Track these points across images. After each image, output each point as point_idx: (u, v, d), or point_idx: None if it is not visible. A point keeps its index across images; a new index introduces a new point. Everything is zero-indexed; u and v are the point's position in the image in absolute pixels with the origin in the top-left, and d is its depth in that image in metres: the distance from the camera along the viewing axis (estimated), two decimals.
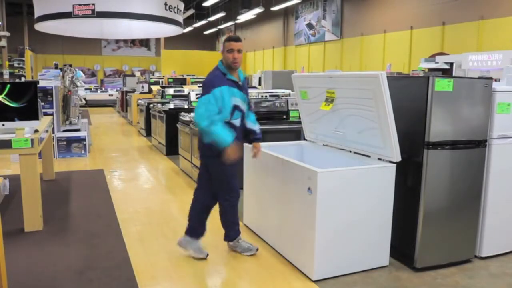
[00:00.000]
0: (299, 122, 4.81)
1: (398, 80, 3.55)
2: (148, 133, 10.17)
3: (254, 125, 3.56)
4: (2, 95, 4.21)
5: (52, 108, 7.30)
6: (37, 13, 10.08)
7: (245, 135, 3.53)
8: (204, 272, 3.36)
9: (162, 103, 9.12)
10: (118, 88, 18.33)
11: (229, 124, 3.27)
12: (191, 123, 6.03)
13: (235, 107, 3.28)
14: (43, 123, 4.75)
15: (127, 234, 4.04)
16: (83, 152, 7.73)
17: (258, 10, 15.87)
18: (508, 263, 3.50)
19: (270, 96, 6.48)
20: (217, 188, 3.47)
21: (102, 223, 4.34)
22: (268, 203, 3.81)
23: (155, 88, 12.86)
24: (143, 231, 4.14)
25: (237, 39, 3.29)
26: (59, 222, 4.33)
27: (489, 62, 6.40)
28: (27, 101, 4.27)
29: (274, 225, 3.72)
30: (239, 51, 3.26)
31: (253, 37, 21.79)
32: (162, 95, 10.83)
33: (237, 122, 3.34)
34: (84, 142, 7.74)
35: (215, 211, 3.59)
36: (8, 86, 4.25)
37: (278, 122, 5.79)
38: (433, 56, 8.39)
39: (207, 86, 3.22)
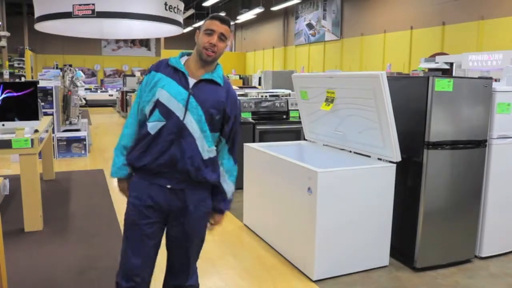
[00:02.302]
0: (299, 122, 4.81)
1: (398, 80, 3.55)
2: None
3: (226, 181, 2.18)
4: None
5: (52, 108, 7.29)
6: (37, 13, 10.07)
7: (212, 192, 2.17)
8: (204, 272, 3.36)
9: None
10: (118, 88, 18.33)
11: (142, 127, 2.09)
12: None
13: (156, 104, 2.02)
14: (43, 123, 4.75)
15: None
16: (83, 152, 7.72)
17: (258, 10, 15.87)
18: (508, 263, 3.50)
19: (270, 96, 6.49)
20: None
21: (102, 223, 4.34)
22: (268, 203, 3.81)
23: None
24: None
25: (224, 20, 2.06)
26: (59, 222, 4.33)
27: (489, 62, 6.40)
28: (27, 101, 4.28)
29: (274, 225, 3.72)
30: (221, 38, 2.03)
31: (253, 37, 21.78)
32: None
33: (151, 127, 2.03)
34: (84, 142, 7.74)
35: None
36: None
37: (278, 122, 5.79)
38: (433, 56, 8.38)
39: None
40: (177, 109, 2.00)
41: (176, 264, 2.21)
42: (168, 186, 2.04)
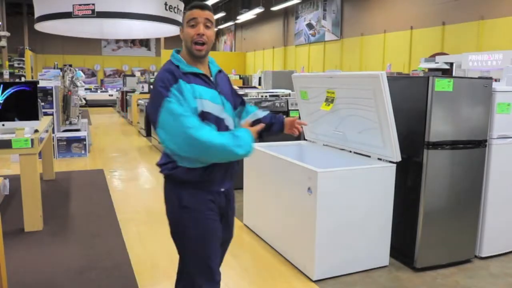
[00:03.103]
0: None
1: (398, 80, 3.55)
2: (148, 133, 10.16)
3: (260, 113, 2.27)
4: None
5: (52, 108, 7.30)
6: (37, 13, 10.07)
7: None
8: None
9: None
10: (118, 88, 18.33)
11: None
12: None
13: (204, 116, 1.91)
14: (43, 123, 4.75)
15: (127, 234, 4.04)
16: (83, 152, 7.73)
17: (258, 10, 15.87)
18: (508, 263, 3.50)
19: (270, 96, 6.49)
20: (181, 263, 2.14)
21: (102, 223, 4.34)
22: (268, 203, 3.81)
23: None
24: (143, 231, 4.14)
25: (204, 6, 1.94)
26: (59, 222, 4.33)
27: (489, 62, 6.39)
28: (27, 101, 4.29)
29: (274, 225, 3.72)
30: (206, 24, 1.93)
31: (253, 37, 21.77)
32: None
33: None
34: (84, 142, 7.74)
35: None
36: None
37: None
38: (433, 56, 8.38)
39: (155, 93, 1.89)
40: (220, 112, 1.98)
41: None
42: (222, 190, 2.06)
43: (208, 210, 2.00)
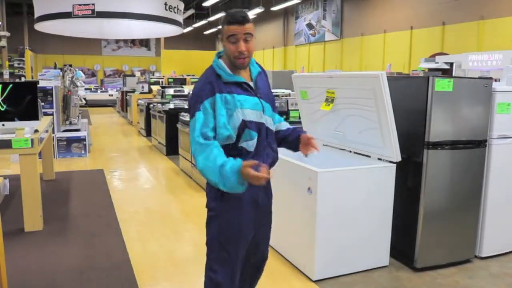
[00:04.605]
0: (299, 122, 4.80)
1: (398, 80, 3.55)
2: (148, 133, 10.16)
3: (284, 125, 2.35)
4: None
5: (52, 108, 7.29)
6: (37, 13, 10.09)
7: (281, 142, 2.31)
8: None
9: (162, 103, 9.12)
10: (118, 88, 18.34)
11: (234, 149, 2.02)
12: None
13: (245, 124, 1.99)
14: (43, 123, 4.75)
15: (127, 234, 4.04)
16: (83, 152, 7.73)
17: (258, 10, 15.86)
18: (508, 263, 3.50)
19: None
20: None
21: (102, 223, 4.34)
22: None
23: (155, 88, 12.86)
24: (143, 231, 4.14)
25: (242, 21, 1.93)
26: (59, 222, 4.33)
27: (489, 62, 6.40)
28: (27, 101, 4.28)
29: (274, 225, 3.70)
30: (246, 39, 1.94)
31: None
32: (162, 95, 10.84)
33: (249, 145, 2.03)
34: (84, 142, 7.74)
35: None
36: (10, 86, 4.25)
37: None
38: (433, 56, 8.38)
39: (192, 101, 2.00)
40: (260, 118, 2.05)
41: None
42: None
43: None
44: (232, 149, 2.00)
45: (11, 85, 4.26)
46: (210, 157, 1.89)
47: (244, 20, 1.94)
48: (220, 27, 2.05)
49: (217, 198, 2.05)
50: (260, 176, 1.80)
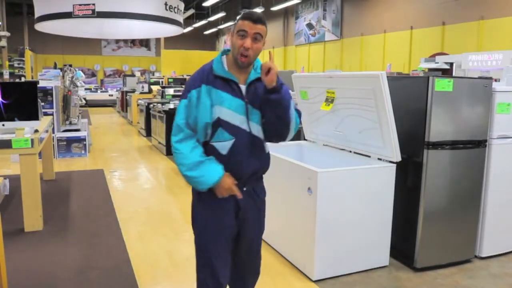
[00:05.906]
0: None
1: (398, 80, 3.55)
2: (148, 133, 10.17)
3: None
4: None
5: (52, 108, 7.30)
6: (37, 13, 10.08)
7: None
8: None
9: (162, 103, 9.12)
10: (118, 88, 18.35)
11: (206, 145, 2.02)
12: None
13: (219, 123, 1.97)
14: (43, 123, 4.75)
15: (127, 234, 4.04)
16: (83, 152, 7.73)
17: (258, 10, 15.85)
18: (508, 263, 3.50)
19: None
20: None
21: (102, 223, 4.34)
22: (268, 203, 3.80)
23: (155, 88, 12.87)
24: (143, 231, 4.14)
25: (256, 20, 1.95)
26: (59, 222, 4.33)
27: (489, 62, 6.40)
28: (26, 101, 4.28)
29: (274, 225, 3.71)
30: (255, 38, 1.95)
31: None
32: (162, 95, 10.85)
33: (221, 147, 2.00)
34: (84, 142, 7.74)
35: None
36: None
37: None
38: (433, 56, 8.38)
39: (184, 88, 2.07)
40: (242, 122, 1.99)
41: None
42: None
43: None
44: (204, 146, 2.02)
45: (11, 85, 4.27)
46: (187, 154, 1.97)
47: (258, 20, 1.95)
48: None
49: (194, 197, 2.15)
50: (232, 192, 2.00)
